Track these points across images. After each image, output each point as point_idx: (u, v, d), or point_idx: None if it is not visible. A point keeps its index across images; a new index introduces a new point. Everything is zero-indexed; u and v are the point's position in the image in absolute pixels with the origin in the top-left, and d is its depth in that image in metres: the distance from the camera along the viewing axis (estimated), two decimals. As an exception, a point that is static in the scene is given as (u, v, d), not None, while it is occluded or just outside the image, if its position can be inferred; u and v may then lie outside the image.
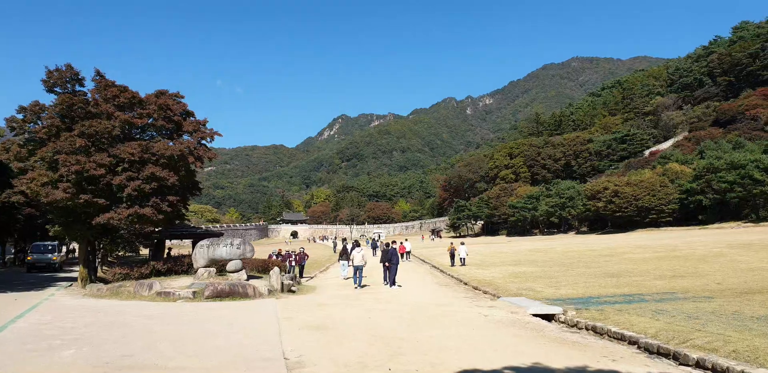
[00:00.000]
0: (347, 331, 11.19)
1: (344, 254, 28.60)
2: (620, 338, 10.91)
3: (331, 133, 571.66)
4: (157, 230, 27.57)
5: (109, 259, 37.90)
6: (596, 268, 26.11)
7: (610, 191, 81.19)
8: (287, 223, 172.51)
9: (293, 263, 27.25)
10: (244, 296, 17.64)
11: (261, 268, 23.17)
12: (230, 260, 19.90)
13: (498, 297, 17.71)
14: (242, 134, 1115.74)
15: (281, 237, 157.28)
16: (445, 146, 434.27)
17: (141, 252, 42.82)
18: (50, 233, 25.77)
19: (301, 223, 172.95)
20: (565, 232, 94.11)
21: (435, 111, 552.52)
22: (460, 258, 32.05)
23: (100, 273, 28.19)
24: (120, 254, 40.46)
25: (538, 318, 13.80)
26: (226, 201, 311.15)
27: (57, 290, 22.83)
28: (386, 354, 8.70)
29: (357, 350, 9.08)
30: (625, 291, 17.22)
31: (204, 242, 19.94)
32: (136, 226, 22.32)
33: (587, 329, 12.41)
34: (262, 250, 48.03)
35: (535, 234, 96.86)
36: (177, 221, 30.19)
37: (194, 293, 17.67)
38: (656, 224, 78.57)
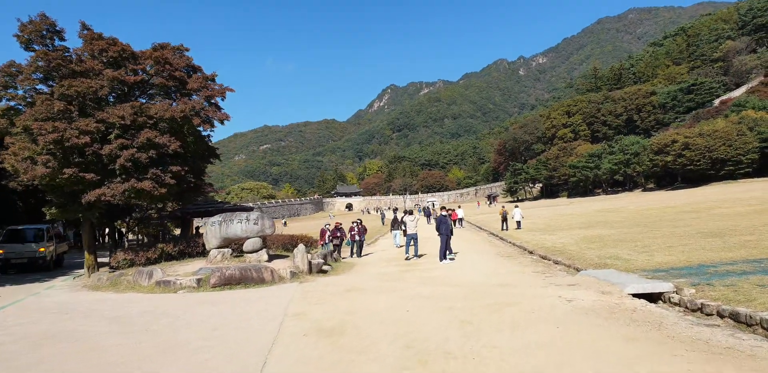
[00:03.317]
0: (370, 338, 7.69)
1: (395, 224, 27.76)
2: (794, 337, 7.04)
3: (381, 104, 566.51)
4: (181, 207, 24.87)
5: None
6: (686, 227, 21.82)
7: (679, 144, 74.90)
8: (341, 196, 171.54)
9: (356, 238, 23.74)
10: (260, 281, 14.42)
11: (289, 245, 20.03)
12: (247, 238, 16.71)
13: (578, 270, 13.91)
14: (295, 111, 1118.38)
15: (336, 210, 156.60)
16: (498, 110, 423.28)
17: (177, 232, 40.28)
18: (47, 217, 22.83)
19: (355, 195, 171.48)
20: (631, 190, 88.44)
21: (486, 74, 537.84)
22: (516, 221, 29.96)
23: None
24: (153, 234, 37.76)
25: (642, 300, 9.96)
26: (283, 177, 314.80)
27: (64, 280, 20.36)
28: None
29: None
30: (744, 255, 13.06)
31: (215, 219, 16.81)
32: (148, 203, 19.50)
33: (721, 316, 8.51)
34: (317, 224, 45.36)
35: (598, 194, 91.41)
36: (200, 197, 27.50)
37: (199, 280, 14.56)
38: (732, 176, 72.26)
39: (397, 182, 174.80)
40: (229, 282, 14.32)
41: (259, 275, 14.53)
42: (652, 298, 10.39)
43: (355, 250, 23.61)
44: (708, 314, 8.77)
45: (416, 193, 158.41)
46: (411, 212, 21.59)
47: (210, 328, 9.07)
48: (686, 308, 9.45)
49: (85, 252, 20.77)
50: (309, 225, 64.05)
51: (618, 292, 10.47)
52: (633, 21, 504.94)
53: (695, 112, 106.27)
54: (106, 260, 24.70)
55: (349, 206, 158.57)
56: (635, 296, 10.31)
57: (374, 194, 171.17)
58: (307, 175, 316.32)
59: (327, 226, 24.63)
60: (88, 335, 9.01)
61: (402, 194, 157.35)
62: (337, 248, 23.71)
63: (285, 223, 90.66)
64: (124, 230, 34.59)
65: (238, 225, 16.59)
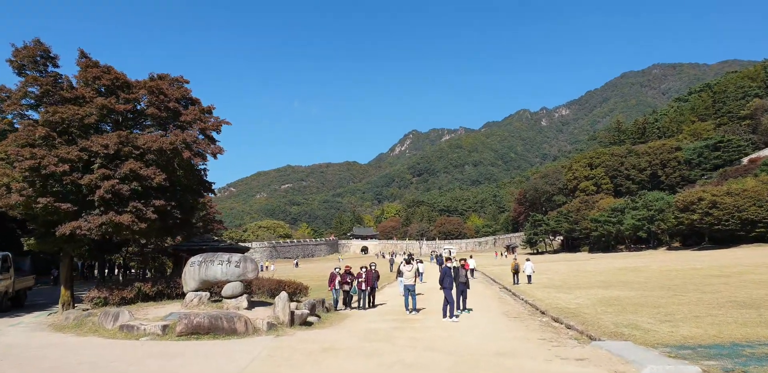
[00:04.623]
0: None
1: (400, 271, 25.10)
2: None
3: (402, 148, 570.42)
4: (174, 244, 23.70)
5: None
6: (715, 293, 19.95)
7: (706, 202, 72.31)
8: (357, 238, 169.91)
9: (363, 286, 21.01)
10: (231, 332, 12.88)
11: (276, 291, 18.46)
12: (227, 281, 15.26)
13: (591, 338, 12.21)
14: (317, 152, 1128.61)
15: (352, 252, 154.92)
16: (520, 159, 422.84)
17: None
18: (25, 247, 21.22)
19: (371, 238, 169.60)
20: (655, 248, 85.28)
21: (508, 123, 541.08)
22: (527, 275, 28.68)
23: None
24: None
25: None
26: (302, 217, 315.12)
27: (37, 316, 19.06)
28: None
29: None
30: (785, 333, 11.31)
31: (195, 259, 15.43)
32: (128, 238, 18.24)
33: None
34: (330, 266, 43.48)
35: (621, 250, 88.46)
36: (209, 233, 26.27)
37: (165, 327, 13.09)
38: (764, 238, 68.96)
39: (414, 227, 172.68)
40: (196, 331, 12.82)
41: (230, 326, 13.00)
42: (676, 384, 8.70)
43: (360, 301, 21.20)
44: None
45: (433, 239, 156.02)
46: (409, 261, 19.90)
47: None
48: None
49: (62, 287, 19.57)
50: (321, 267, 62.38)
51: (634, 373, 8.81)
52: (657, 76, 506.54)
53: (723, 169, 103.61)
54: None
55: (365, 249, 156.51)
56: (656, 381, 8.64)
57: (391, 238, 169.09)
58: (326, 216, 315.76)
59: (337, 270, 22.10)
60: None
61: (419, 240, 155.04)
62: (347, 294, 21.40)
63: (297, 264, 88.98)
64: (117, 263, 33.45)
65: (218, 267, 15.20)
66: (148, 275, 35.98)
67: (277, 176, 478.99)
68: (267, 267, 75.41)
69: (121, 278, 31.24)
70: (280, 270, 66.51)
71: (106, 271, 45.78)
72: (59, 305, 19.48)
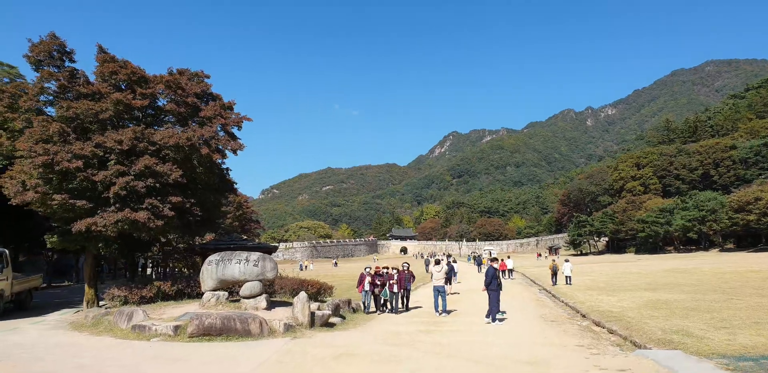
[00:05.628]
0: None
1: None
2: None
3: (442, 150, 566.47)
4: (203, 243, 23.23)
5: None
6: (777, 297, 18.21)
7: (764, 202, 68.86)
8: (396, 239, 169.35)
9: (394, 288, 19.19)
10: (245, 334, 12.11)
11: (298, 291, 17.59)
12: (245, 281, 14.53)
13: (635, 345, 11.00)
14: (357, 154, 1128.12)
15: (391, 253, 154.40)
16: (564, 160, 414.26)
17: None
18: (48, 245, 20.61)
19: (410, 239, 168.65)
20: (706, 249, 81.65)
21: (552, 124, 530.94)
22: (565, 276, 27.68)
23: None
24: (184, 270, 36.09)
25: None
26: (342, 218, 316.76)
27: (63, 314, 18.94)
28: None
29: None
30: None
31: (213, 258, 14.75)
32: (144, 236, 17.64)
33: None
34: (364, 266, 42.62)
35: (669, 252, 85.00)
36: (242, 233, 25.75)
37: (176, 328, 12.44)
38: (827, 240, 65.13)
39: (453, 228, 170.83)
40: (208, 332, 12.11)
41: (244, 327, 12.23)
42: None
43: (392, 302, 19.59)
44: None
45: (473, 240, 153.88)
46: (439, 262, 18.67)
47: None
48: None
49: (86, 285, 19.30)
50: (359, 267, 61.66)
51: (686, 390, 7.56)
52: (710, 73, 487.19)
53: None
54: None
55: (404, 250, 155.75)
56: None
57: (430, 239, 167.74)
58: (366, 217, 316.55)
59: (368, 269, 20.57)
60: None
61: (458, 241, 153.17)
62: (376, 296, 19.86)
63: (336, 263, 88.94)
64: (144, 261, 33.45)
65: (236, 266, 14.45)
66: (186, 272, 35.91)
67: (318, 178, 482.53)
68: (306, 266, 75.65)
69: (153, 277, 31.19)
70: (319, 269, 66.46)
71: (149, 269, 46.29)
72: (84, 303, 19.33)
